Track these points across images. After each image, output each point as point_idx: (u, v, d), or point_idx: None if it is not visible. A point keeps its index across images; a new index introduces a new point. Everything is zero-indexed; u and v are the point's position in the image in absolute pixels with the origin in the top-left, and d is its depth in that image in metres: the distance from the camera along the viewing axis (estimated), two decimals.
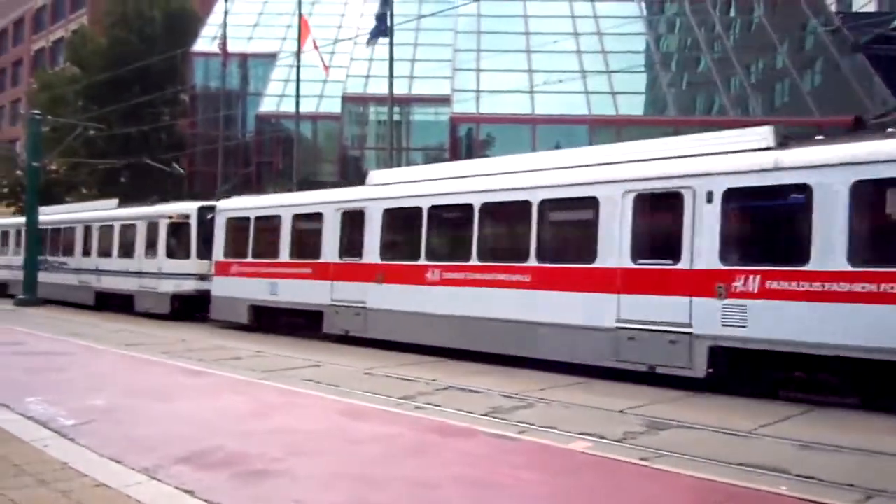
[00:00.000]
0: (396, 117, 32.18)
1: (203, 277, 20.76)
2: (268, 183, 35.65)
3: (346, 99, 35.86)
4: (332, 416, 8.43)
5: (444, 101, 33.23)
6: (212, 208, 21.02)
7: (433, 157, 35.68)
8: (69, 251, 27.44)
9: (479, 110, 31.68)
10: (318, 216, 16.84)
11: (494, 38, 35.48)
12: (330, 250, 16.32)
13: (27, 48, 66.92)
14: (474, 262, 13.45)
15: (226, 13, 35.99)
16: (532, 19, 36.93)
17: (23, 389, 9.29)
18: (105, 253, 25.02)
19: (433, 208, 14.34)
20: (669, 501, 5.60)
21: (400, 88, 30.92)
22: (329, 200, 16.85)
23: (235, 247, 19.36)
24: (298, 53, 30.38)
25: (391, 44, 26.82)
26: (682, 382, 10.76)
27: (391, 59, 26.85)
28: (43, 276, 27.97)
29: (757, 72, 33.97)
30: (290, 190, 25.75)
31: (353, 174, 34.77)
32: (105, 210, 26.45)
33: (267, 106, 37.76)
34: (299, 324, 17.51)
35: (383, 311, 15.02)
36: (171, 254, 21.86)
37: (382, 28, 26.61)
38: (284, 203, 18.64)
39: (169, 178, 35.89)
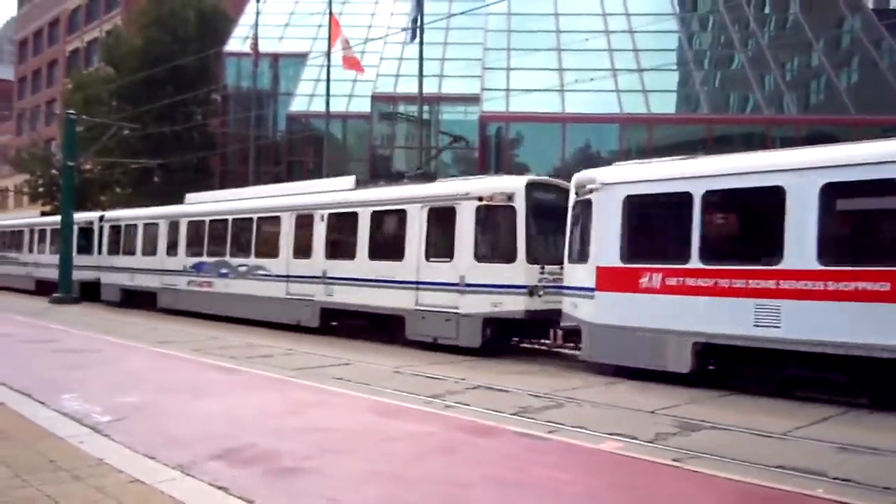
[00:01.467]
0: (426, 116, 32.20)
1: (532, 291, 14.06)
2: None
3: (376, 98, 35.94)
4: (363, 414, 8.45)
5: (474, 99, 33.18)
6: (547, 186, 15.15)
7: (462, 155, 35.74)
8: (268, 251, 19.95)
9: (508, 109, 31.53)
10: None
11: (524, 37, 35.31)
12: None
13: (62, 49, 67.92)
14: None
15: (257, 13, 36.36)
16: (563, 17, 36.73)
17: (58, 386, 9.44)
18: (340, 253, 17.77)
19: None
20: (703, 503, 5.53)
21: (429, 87, 31.00)
22: None
23: (650, 244, 12.35)
24: (329, 53, 30.58)
25: (421, 43, 27.07)
26: (712, 383, 10.64)
27: (421, 59, 27.02)
28: (221, 285, 21.31)
29: (792, 69, 33.46)
30: None
31: (382, 174, 34.94)
32: (338, 192, 18.60)
33: (297, 105, 38.02)
34: (810, 379, 10.61)
35: None
36: (479, 255, 14.74)
37: (417, 28, 27.03)
38: (790, 165, 10.40)
39: (200, 176, 36.25)
